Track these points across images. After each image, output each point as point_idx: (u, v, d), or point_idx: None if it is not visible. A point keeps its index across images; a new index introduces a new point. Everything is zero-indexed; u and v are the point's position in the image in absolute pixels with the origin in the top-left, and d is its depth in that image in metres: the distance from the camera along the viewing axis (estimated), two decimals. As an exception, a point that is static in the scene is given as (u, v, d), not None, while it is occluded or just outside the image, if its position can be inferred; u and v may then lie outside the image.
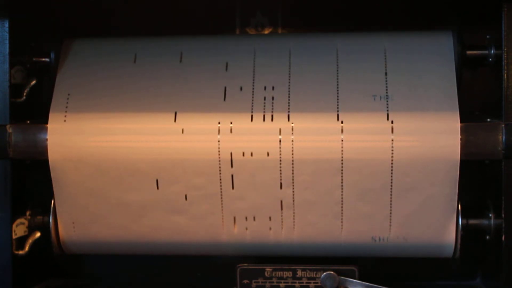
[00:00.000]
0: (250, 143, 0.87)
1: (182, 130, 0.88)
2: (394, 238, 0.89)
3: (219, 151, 0.87)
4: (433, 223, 0.88)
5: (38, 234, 0.94)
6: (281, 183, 0.87)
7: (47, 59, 0.95)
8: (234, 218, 0.89)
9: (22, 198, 0.94)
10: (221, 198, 0.88)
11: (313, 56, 0.91)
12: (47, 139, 0.89)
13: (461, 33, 0.91)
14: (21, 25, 0.92)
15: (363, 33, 0.93)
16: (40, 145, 0.90)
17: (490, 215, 0.90)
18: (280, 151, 0.86)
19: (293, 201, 0.88)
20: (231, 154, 0.87)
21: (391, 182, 0.86)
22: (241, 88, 0.89)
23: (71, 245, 0.94)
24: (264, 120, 0.87)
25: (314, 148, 0.86)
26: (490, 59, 0.90)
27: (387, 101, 0.87)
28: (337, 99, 0.88)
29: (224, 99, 0.88)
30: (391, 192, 0.87)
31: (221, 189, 0.88)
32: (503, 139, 0.85)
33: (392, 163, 0.86)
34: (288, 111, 0.87)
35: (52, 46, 0.95)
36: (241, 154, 0.87)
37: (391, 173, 0.86)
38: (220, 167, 0.87)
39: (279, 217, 0.89)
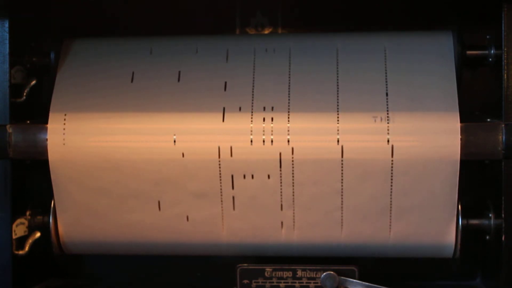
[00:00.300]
0: None
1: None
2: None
3: None
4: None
5: (38, 234, 0.94)
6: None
7: (47, 59, 0.95)
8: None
9: (22, 198, 0.94)
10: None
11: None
12: (47, 139, 0.89)
13: (461, 33, 0.91)
14: (21, 25, 0.92)
15: (363, 33, 0.93)
16: (40, 145, 0.90)
17: (490, 215, 0.90)
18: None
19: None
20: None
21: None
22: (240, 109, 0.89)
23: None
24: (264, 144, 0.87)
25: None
26: (490, 59, 0.90)
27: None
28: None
29: (223, 120, 0.88)
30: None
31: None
32: (503, 139, 0.85)
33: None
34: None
35: (52, 46, 0.95)
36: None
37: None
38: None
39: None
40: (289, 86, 0.89)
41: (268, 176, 0.87)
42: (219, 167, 0.87)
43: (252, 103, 0.88)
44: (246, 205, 0.88)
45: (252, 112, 0.88)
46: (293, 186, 0.87)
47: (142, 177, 0.89)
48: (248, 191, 0.88)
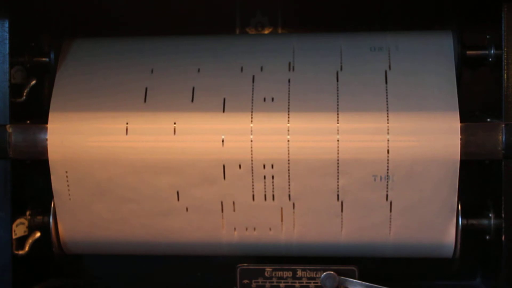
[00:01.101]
0: None
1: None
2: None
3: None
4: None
5: (38, 234, 0.94)
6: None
7: (47, 59, 0.95)
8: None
9: (22, 198, 0.94)
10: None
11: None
12: (47, 139, 0.89)
13: (461, 33, 0.91)
14: (21, 25, 0.92)
15: (363, 33, 0.93)
16: (40, 145, 0.90)
17: (490, 215, 0.90)
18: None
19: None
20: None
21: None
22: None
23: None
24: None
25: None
26: (490, 59, 0.90)
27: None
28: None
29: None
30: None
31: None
32: (503, 139, 0.85)
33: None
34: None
35: (52, 46, 0.95)
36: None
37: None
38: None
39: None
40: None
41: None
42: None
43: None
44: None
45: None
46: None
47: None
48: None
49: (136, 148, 0.88)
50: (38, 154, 0.90)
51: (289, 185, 0.87)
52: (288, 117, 0.87)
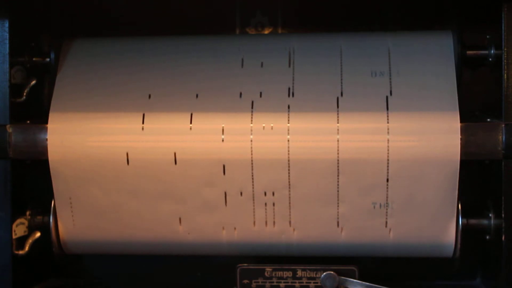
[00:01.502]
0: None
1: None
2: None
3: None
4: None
5: (38, 234, 0.94)
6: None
7: (47, 59, 0.95)
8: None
9: (22, 198, 0.94)
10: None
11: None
12: (47, 139, 0.89)
13: (461, 33, 0.91)
14: (21, 25, 0.92)
15: (363, 33, 0.93)
16: (40, 145, 0.90)
17: (490, 215, 0.90)
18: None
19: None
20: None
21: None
22: None
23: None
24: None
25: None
26: (490, 59, 0.90)
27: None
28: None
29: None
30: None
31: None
32: (503, 139, 0.85)
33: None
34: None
35: (52, 46, 0.95)
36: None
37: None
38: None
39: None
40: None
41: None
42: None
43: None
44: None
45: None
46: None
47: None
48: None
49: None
50: (38, 154, 0.90)
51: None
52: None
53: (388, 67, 0.89)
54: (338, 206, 0.88)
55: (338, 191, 0.87)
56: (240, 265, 0.90)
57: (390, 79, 0.88)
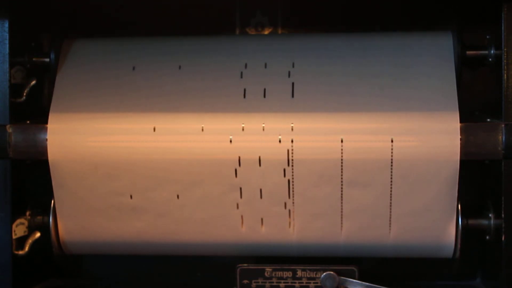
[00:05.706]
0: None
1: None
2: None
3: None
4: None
5: (38, 234, 0.94)
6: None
7: (47, 59, 0.95)
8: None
9: (22, 198, 0.94)
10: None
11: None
12: (47, 139, 0.89)
13: (461, 33, 0.91)
14: (21, 25, 0.92)
15: (363, 33, 0.93)
16: (40, 145, 0.90)
17: (490, 215, 0.90)
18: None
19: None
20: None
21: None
22: None
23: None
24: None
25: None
26: (490, 59, 0.90)
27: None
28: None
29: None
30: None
31: None
32: (503, 139, 0.85)
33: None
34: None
35: (52, 46, 0.95)
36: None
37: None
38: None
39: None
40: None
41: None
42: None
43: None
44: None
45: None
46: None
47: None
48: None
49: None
50: (38, 154, 0.90)
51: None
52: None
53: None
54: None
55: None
56: (240, 265, 0.90)
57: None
